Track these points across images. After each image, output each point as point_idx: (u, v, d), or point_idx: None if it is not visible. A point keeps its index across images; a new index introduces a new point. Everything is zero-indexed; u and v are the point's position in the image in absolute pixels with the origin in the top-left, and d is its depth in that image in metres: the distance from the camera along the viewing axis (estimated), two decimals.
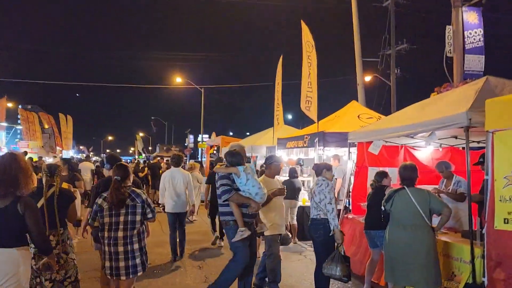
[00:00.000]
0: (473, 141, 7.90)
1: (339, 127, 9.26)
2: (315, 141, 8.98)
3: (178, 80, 39.13)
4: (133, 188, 4.41)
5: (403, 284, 4.61)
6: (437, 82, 9.21)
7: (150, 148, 61.77)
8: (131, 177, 4.60)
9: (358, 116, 10.02)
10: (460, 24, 11.22)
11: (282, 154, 11.50)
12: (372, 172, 7.44)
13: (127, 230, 4.20)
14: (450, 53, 11.37)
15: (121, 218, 4.21)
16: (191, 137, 53.76)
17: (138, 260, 4.23)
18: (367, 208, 5.69)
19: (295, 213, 9.18)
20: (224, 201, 4.79)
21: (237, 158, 4.86)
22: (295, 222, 9.18)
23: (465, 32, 11.39)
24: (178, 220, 7.97)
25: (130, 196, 4.28)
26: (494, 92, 5.13)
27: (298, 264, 7.63)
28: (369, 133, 6.74)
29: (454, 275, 4.76)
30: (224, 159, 5.20)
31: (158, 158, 23.58)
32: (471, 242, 4.50)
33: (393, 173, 6.77)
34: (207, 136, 47.37)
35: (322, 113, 9.73)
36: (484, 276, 4.31)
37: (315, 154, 8.78)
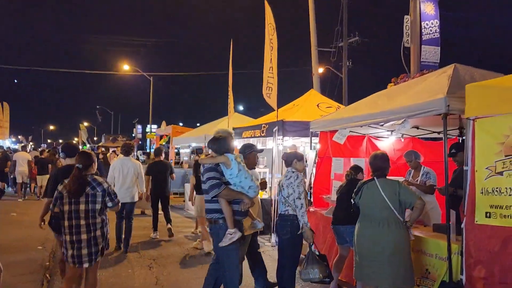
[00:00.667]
0: (434, 132, 7.79)
1: (298, 116, 8.85)
2: (274, 130, 8.51)
3: (125, 67, 37.51)
4: (95, 177, 4.35)
5: (371, 284, 4.23)
6: (390, 74, 9.08)
7: (95, 138, 59.09)
8: (95, 165, 4.49)
9: (318, 105, 9.67)
10: (417, 14, 11.13)
11: (238, 145, 10.96)
12: (337, 163, 7.10)
13: (88, 218, 4.20)
14: (408, 43, 11.28)
15: (82, 207, 4.19)
16: (139, 127, 52.02)
17: (100, 247, 4.27)
18: (336, 201, 5.27)
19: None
20: (212, 197, 4.04)
21: (224, 144, 4.11)
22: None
23: (422, 23, 11.33)
24: (125, 211, 7.64)
25: (91, 184, 4.25)
26: (465, 79, 4.87)
27: None
28: (334, 122, 6.35)
29: (428, 273, 4.45)
30: (208, 148, 4.47)
31: (102, 149, 22.27)
32: (448, 238, 4.19)
33: (357, 163, 6.48)
34: (155, 126, 45.96)
35: (278, 103, 9.24)
36: (462, 274, 4.04)
37: (274, 144, 8.30)
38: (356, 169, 5.29)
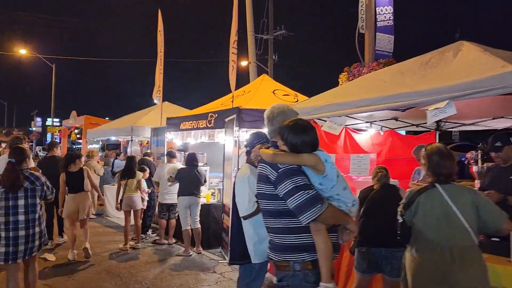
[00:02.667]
0: (411, 124, 6.81)
1: (254, 104, 7.34)
2: (227, 120, 6.90)
3: (22, 51, 32.88)
4: (32, 171, 4.35)
5: None
6: (316, 68, 8.14)
7: None
8: (29, 160, 4.50)
9: (274, 92, 8.26)
10: None
11: (174, 138, 9.15)
12: None
13: (28, 213, 4.17)
14: (363, 29, 10.35)
15: (20, 202, 4.14)
16: (38, 119, 46.87)
17: (37, 243, 4.24)
18: (363, 214, 3.78)
19: (198, 213, 7.00)
20: (307, 221, 2.33)
21: (310, 134, 2.46)
22: (198, 225, 7.00)
23: (377, 9, 10.49)
24: None
25: (29, 179, 4.23)
26: (499, 54, 3.77)
27: None
28: (330, 107, 4.90)
29: None
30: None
31: None
32: None
33: (358, 160, 5.17)
34: (58, 120, 41.45)
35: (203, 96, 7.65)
36: None
37: (231, 137, 6.68)
38: (387, 170, 3.91)
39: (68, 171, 6.52)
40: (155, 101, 10.21)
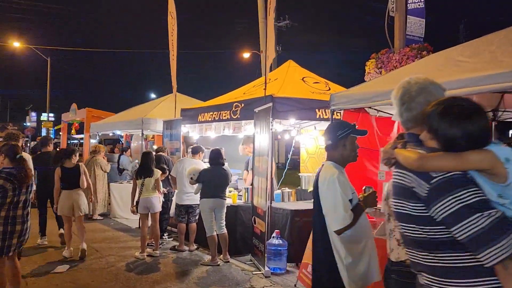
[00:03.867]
0: None
1: (284, 92, 6.50)
2: (258, 110, 6.04)
3: (16, 44, 31.70)
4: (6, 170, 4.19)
5: None
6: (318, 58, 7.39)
7: None
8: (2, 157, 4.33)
9: (303, 79, 7.41)
10: None
11: (191, 131, 8.29)
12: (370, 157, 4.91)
13: (25, 208, 4.24)
14: (393, 11, 9.51)
15: (22, 197, 4.19)
16: (33, 114, 45.73)
17: (26, 237, 4.33)
18: None
19: (224, 217, 6.16)
20: (493, 260, 1.49)
21: (477, 122, 1.62)
22: (224, 230, 6.16)
23: None
24: None
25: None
26: None
27: None
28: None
29: None
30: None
31: None
32: None
33: None
34: (53, 115, 40.39)
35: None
36: None
37: (264, 129, 5.81)
38: None
39: (63, 166, 6.21)
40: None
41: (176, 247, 6.80)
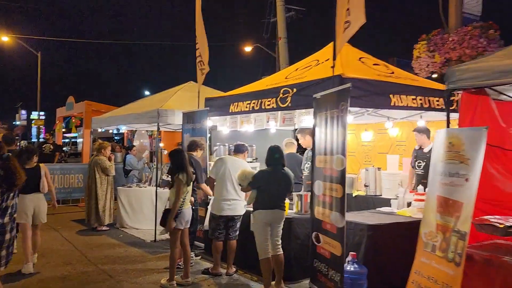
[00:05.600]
0: None
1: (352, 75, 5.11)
2: (321, 95, 4.66)
3: (4, 39, 29.95)
4: None
5: None
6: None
7: None
8: None
9: (360, 60, 6.05)
10: None
11: (220, 125, 6.89)
12: None
13: (13, 214, 3.83)
14: None
15: (11, 202, 3.76)
16: (23, 112, 44.08)
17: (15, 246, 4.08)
18: None
19: (280, 233, 4.78)
20: None
21: None
22: (280, 251, 4.77)
23: None
24: None
25: None
26: None
27: None
28: None
29: None
30: None
31: None
32: None
33: None
34: (43, 113, 38.72)
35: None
36: None
37: (335, 121, 4.39)
38: None
39: (23, 167, 5.10)
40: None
41: (209, 270, 5.40)
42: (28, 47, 31.42)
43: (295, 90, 5.24)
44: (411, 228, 4.46)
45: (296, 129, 9.10)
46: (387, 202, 5.81)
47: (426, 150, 5.98)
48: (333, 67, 4.72)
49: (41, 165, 5.78)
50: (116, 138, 30.56)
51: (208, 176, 5.45)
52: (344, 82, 4.55)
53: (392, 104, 5.06)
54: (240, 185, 4.76)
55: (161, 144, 13.22)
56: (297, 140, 7.20)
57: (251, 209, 4.84)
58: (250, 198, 4.73)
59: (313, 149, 4.90)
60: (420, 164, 6.07)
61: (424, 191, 5.46)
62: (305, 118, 5.40)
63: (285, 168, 4.81)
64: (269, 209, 4.61)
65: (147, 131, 13.10)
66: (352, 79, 4.65)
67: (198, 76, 7.36)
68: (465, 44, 7.63)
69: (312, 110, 4.93)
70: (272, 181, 4.66)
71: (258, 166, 6.84)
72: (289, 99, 5.29)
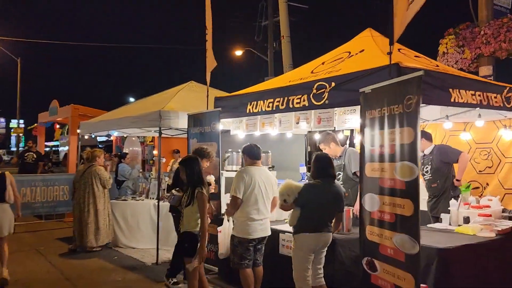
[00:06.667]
0: None
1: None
2: (372, 89, 3.78)
3: None
4: None
5: None
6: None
7: None
8: None
9: (400, 51, 5.20)
10: None
11: (234, 128, 5.95)
12: None
13: None
14: None
15: None
16: (1, 120, 42.52)
17: None
18: None
19: (323, 260, 3.86)
20: None
21: None
22: (323, 281, 3.85)
23: None
24: None
25: None
26: None
27: None
28: None
29: None
30: None
31: None
32: None
33: None
34: (22, 121, 37.21)
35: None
36: None
37: (396, 119, 3.49)
38: None
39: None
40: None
41: None
42: (7, 52, 30.08)
43: (333, 84, 4.35)
44: (490, 251, 3.61)
45: (306, 135, 8.26)
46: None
47: (427, 152, 5.58)
48: (390, 53, 3.83)
49: (7, 173, 5.48)
50: (100, 146, 29.16)
51: (231, 195, 4.41)
52: (404, 72, 3.69)
53: (452, 100, 4.22)
54: (284, 201, 3.82)
55: (155, 152, 12.20)
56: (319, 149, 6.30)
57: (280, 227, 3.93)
58: (292, 217, 3.79)
59: (361, 154, 4.01)
60: (427, 169, 5.58)
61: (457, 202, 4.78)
62: (349, 118, 4.49)
63: (336, 181, 3.90)
64: (317, 232, 3.69)
65: (138, 137, 12.05)
66: (413, 68, 3.79)
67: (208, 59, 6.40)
68: (501, 37, 6.90)
69: (357, 107, 4.07)
70: (322, 197, 3.75)
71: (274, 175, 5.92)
72: (326, 95, 4.39)
